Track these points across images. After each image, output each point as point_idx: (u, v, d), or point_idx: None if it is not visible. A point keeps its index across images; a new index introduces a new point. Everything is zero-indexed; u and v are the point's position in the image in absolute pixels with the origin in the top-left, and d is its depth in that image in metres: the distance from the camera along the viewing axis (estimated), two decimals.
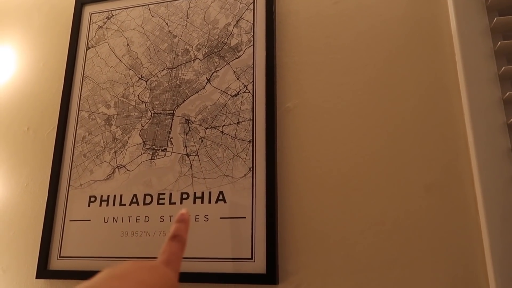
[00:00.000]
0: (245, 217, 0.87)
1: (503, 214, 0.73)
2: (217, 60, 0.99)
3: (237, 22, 1.00)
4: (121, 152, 0.99)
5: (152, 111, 1.00)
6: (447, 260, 0.75)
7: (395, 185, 0.81)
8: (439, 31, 0.88)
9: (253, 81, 0.95)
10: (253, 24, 0.99)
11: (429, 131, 0.83)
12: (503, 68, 0.79)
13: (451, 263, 0.75)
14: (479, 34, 0.84)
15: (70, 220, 0.98)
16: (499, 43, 0.80)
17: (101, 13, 1.12)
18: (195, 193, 0.91)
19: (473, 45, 0.83)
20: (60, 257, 0.96)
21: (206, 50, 1.01)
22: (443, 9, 0.89)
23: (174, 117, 0.98)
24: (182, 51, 1.02)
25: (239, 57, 0.98)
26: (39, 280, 0.97)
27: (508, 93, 0.77)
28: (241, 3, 1.01)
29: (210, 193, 0.90)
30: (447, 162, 0.80)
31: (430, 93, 0.85)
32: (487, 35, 0.83)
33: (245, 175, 0.89)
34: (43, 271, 0.95)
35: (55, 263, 0.96)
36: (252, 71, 0.96)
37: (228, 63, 0.98)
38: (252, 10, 1.00)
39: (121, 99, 1.03)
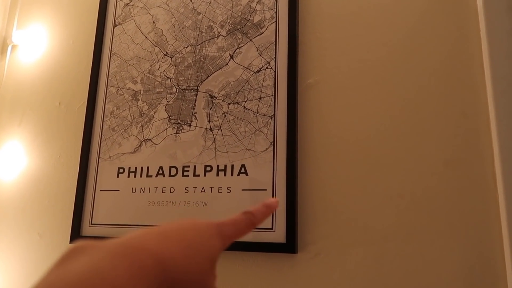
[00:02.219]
0: (266, 189, 0.90)
1: None
2: (240, 36, 1.01)
3: None
4: (148, 126, 1.03)
5: (177, 87, 1.03)
6: (463, 235, 0.77)
7: (415, 160, 0.83)
8: (464, 5, 0.87)
9: (275, 57, 0.96)
10: (276, 0, 1.00)
11: (451, 106, 0.83)
12: None
13: (467, 238, 0.77)
14: (505, 9, 0.82)
15: (100, 190, 1.03)
16: None
17: None
18: (218, 166, 0.95)
19: (499, 20, 0.82)
20: (91, 224, 1.02)
21: (230, 27, 1.02)
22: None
23: (198, 92, 1.01)
24: (206, 28, 1.04)
25: (261, 33, 0.99)
26: None
27: None
28: None
29: (232, 166, 0.94)
30: (467, 138, 0.81)
31: (453, 68, 0.85)
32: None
33: (266, 149, 0.92)
34: (77, 236, 1.02)
35: (87, 230, 1.02)
36: (274, 47, 0.97)
37: (251, 40, 1.00)
38: None
39: (147, 75, 1.07)
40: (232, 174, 0.93)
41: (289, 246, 0.85)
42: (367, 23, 0.93)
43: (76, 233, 1.02)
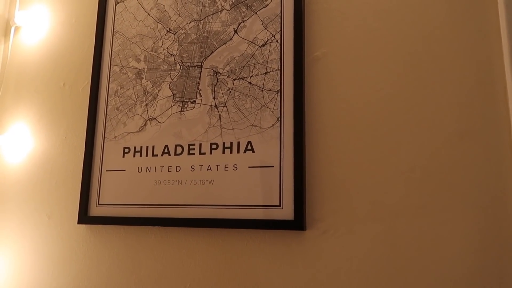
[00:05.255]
0: (273, 166, 0.88)
1: None
2: (244, 9, 0.98)
3: None
4: (152, 105, 1.02)
5: (180, 64, 1.01)
6: (477, 211, 0.74)
7: (426, 132, 0.79)
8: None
9: (281, 30, 0.93)
10: None
11: (465, 74, 0.79)
12: None
13: (481, 213, 0.74)
14: None
15: (107, 170, 1.03)
16: None
17: None
18: (224, 143, 0.93)
19: None
20: (98, 204, 1.02)
21: (233, 0, 0.99)
22: None
23: (202, 69, 0.98)
24: (209, 2, 1.01)
25: (266, 5, 0.96)
26: (80, 225, 1.04)
27: None
28: None
29: (238, 143, 0.92)
30: (483, 110, 0.77)
31: (467, 34, 0.80)
32: None
33: (273, 125, 0.90)
34: (84, 217, 1.02)
35: (94, 210, 1.02)
36: (280, 20, 0.94)
37: (256, 13, 0.96)
38: None
39: (151, 52, 1.05)
40: (238, 152, 0.92)
41: (297, 223, 0.83)
42: None
43: (83, 213, 1.02)
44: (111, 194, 1.01)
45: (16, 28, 1.24)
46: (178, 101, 0.99)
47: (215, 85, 0.97)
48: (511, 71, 0.75)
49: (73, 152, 1.09)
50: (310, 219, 0.85)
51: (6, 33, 1.26)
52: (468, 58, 0.79)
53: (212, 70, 0.97)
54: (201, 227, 0.91)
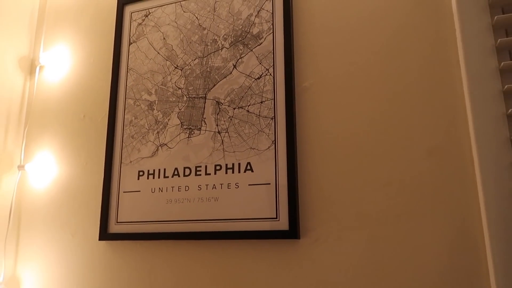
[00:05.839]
0: (270, 183, 1.00)
1: (497, 174, 0.82)
2: (241, 47, 1.12)
3: (258, 13, 1.12)
4: (163, 132, 1.15)
5: (187, 96, 1.15)
6: (447, 215, 0.86)
7: (401, 150, 0.92)
8: (440, 12, 0.96)
9: (273, 64, 1.07)
10: (272, 13, 1.10)
11: (431, 101, 0.92)
12: (498, 41, 0.87)
13: (450, 217, 0.85)
14: (478, 11, 0.91)
15: (124, 192, 1.16)
16: (495, 18, 0.88)
17: (140, 12, 1.28)
18: (226, 165, 1.06)
19: (472, 22, 0.91)
20: (117, 222, 1.14)
21: (232, 39, 1.14)
22: None
23: (206, 100, 1.12)
24: (211, 41, 1.16)
25: (260, 44, 1.10)
26: (101, 242, 1.16)
27: (502, 64, 0.85)
28: None
29: (239, 164, 1.05)
30: (447, 128, 0.90)
31: (433, 68, 0.94)
32: (485, 11, 0.91)
33: (268, 147, 1.03)
34: (104, 234, 1.14)
35: (114, 227, 1.14)
36: (272, 56, 1.08)
37: (251, 50, 1.11)
38: (271, 1, 1.11)
39: (161, 86, 1.19)
40: (239, 171, 1.04)
41: (292, 232, 0.95)
42: (355, 30, 1.03)
43: (104, 231, 1.14)
44: (128, 213, 1.13)
45: (41, 67, 1.40)
46: (185, 128, 1.13)
47: (217, 114, 1.10)
48: (469, 99, 0.87)
49: (93, 176, 1.23)
50: (303, 229, 0.96)
51: (32, 72, 1.41)
52: (435, 88, 0.93)
53: (214, 101, 1.11)
54: (208, 239, 1.03)
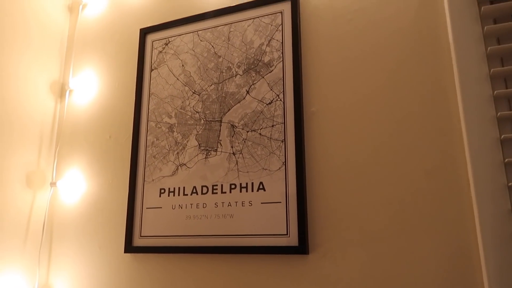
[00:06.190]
0: (280, 202, 1.08)
1: (491, 195, 0.89)
2: (254, 74, 1.21)
3: (269, 42, 1.21)
4: (182, 153, 1.25)
5: (204, 119, 1.25)
6: (444, 233, 0.92)
7: (401, 172, 0.99)
8: (438, 42, 1.03)
9: (283, 91, 1.16)
10: (282, 43, 1.19)
11: (429, 126, 0.99)
12: (492, 71, 0.93)
13: (447, 234, 0.92)
14: (473, 41, 0.98)
15: (147, 208, 1.26)
16: (489, 49, 0.94)
17: (160, 40, 1.39)
18: (241, 184, 1.15)
19: (467, 53, 0.98)
20: (141, 236, 1.24)
21: (245, 67, 1.23)
22: (441, 22, 1.03)
23: (222, 123, 1.22)
24: (226, 68, 1.25)
25: (271, 71, 1.19)
26: (126, 254, 1.26)
27: (496, 92, 0.92)
28: (271, 25, 1.22)
29: (252, 183, 1.13)
30: (444, 151, 0.96)
31: (430, 94, 1.01)
32: (480, 42, 0.97)
33: (279, 168, 1.11)
34: (129, 247, 1.24)
35: (138, 241, 1.24)
36: (282, 82, 1.16)
37: (263, 77, 1.20)
38: (281, 31, 1.20)
39: (180, 110, 1.29)
40: (252, 190, 1.13)
41: (302, 248, 1.03)
42: (358, 58, 1.11)
43: (129, 244, 1.24)
44: (151, 227, 1.23)
45: (70, 91, 1.52)
46: (203, 149, 1.22)
47: (232, 136, 1.19)
48: (465, 124, 0.94)
49: (119, 193, 1.33)
50: (312, 245, 1.04)
51: (62, 96, 1.54)
52: (433, 115, 1.00)
53: (229, 124, 1.20)
54: (224, 253, 1.12)
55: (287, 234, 1.06)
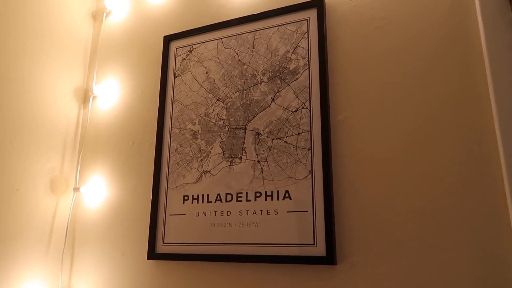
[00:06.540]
0: (307, 211, 1.07)
1: None
2: (279, 82, 1.20)
3: (294, 49, 1.21)
4: (206, 160, 1.25)
5: (228, 126, 1.24)
6: (478, 249, 0.90)
7: (433, 181, 0.97)
8: (469, 47, 1.01)
9: (309, 98, 1.15)
10: (308, 50, 1.19)
11: (462, 134, 0.97)
12: None
13: (482, 250, 0.89)
14: (507, 46, 0.96)
15: (170, 215, 1.25)
16: None
17: (184, 47, 1.39)
18: (266, 192, 1.14)
19: (501, 56, 0.96)
20: (164, 243, 1.24)
21: (270, 74, 1.22)
22: (473, 27, 1.02)
23: (247, 130, 1.21)
24: (250, 76, 1.25)
25: (297, 79, 1.18)
26: (149, 261, 1.26)
27: None
28: (297, 32, 1.22)
29: (278, 192, 1.12)
30: (479, 161, 0.94)
31: (463, 102, 0.99)
32: None
33: (306, 176, 1.10)
34: (152, 253, 1.24)
35: (161, 248, 1.24)
36: (308, 90, 1.16)
37: (289, 84, 1.19)
38: (307, 39, 1.20)
39: (204, 117, 1.29)
40: (278, 199, 1.12)
41: (329, 258, 1.01)
42: (388, 67, 1.09)
43: (152, 250, 1.24)
44: (174, 234, 1.23)
45: (94, 97, 1.54)
46: (227, 157, 1.22)
47: (257, 144, 1.19)
48: (500, 132, 0.92)
49: (142, 199, 1.33)
50: (340, 255, 1.02)
51: (85, 102, 1.55)
52: (468, 123, 0.97)
53: (254, 132, 1.20)
54: (248, 262, 1.11)
55: (314, 244, 1.04)
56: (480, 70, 0.99)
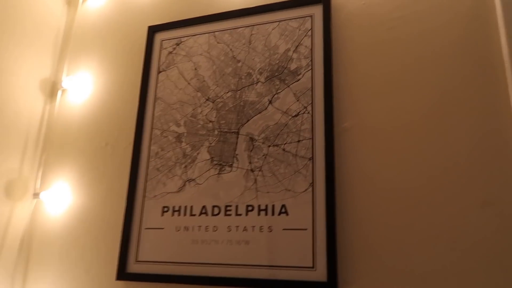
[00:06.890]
0: (306, 229, 0.94)
1: None
2: (278, 83, 1.08)
3: (296, 48, 1.09)
4: (191, 166, 1.10)
5: (218, 130, 1.10)
6: (498, 279, 0.79)
7: (451, 201, 0.86)
8: (492, 55, 0.92)
9: (312, 102, 1.03)
10: (311, 49, 1.07)
11: (482, 151, 0.87)
12: None
13: (506, 281, 0.79)
14: None
15: (146, 228, 1.09)
16: None
17: (171, 40, 1.25)
18: (259, 206, 1.00)
19: None
20: (137, 261, 1.07)
21: (268, 74, 1.10)
22: (494, 31, 0.93)
23: (239, 135, 1.07)
24: (245, 74, 1.12)
25: (298, 80, 1.06)
26: (118, 282, 1.08)
27: None
28: (299, 29, 1.10)
29: (273, 206, 0.99)
30: (503, 181, 0.84)
31: (483, 117, 0.89)
32: None
33: (306, 190, 0.97)
34: (122, 273, 1.07)
35: (133, 266, 1.07)
36: (311, 93, 1.03)
37: (288, 86, 1.06)
38: (310, 37, 1.08)
39: (190, 118, 1.14)
40: (273, 214, 0.98)
41: (331, 284, 0.88)
42: (398, 70, 0.99)
43: (122, 269, 1.07)
44: (149, 251, 1.06)
45: (63, 91, 1.36)
46: (216, 164, 1.07)
47: (251, 151, 1.05)
48: None
49: (113, 209, 1.16)
50: (341, 281, 0.89)
51: (53, 95, 1.37)
52: (488, 138, 0.88)
53: (248, 137, 1.06)
54: (236, 286, 0.96)
55: (313, 267, 0.91)
56: (501, 80, 0.90)
